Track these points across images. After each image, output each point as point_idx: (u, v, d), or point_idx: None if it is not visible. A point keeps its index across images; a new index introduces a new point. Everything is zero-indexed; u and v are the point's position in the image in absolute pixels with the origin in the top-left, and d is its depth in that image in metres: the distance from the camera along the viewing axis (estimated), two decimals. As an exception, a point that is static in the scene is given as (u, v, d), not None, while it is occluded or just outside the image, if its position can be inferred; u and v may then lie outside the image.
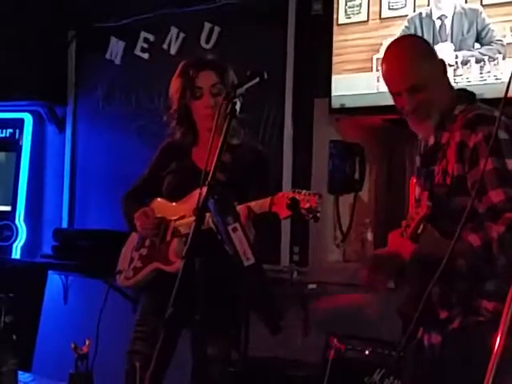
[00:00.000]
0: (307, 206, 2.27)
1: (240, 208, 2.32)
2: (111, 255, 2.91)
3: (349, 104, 3.67)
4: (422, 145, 2.30)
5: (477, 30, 3.28)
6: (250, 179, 2.61)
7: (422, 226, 1.96)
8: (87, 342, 1.92)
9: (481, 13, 3.27)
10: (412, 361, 2.28)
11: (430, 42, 3.29)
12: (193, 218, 1.96)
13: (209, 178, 1.92)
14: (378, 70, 3.52)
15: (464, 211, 1.83)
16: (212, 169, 1.94)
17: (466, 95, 2.22)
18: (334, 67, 3.69)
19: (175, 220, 2.63)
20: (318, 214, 2.30)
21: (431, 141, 2.22)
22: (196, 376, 2.66)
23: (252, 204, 2.41)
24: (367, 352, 3.17)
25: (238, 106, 2.07)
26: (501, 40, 3.21)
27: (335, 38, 3.71)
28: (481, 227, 2.00)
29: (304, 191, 2.32)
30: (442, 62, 2.23)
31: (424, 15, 3.46)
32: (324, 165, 3.81)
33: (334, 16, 3.71)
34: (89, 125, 4.84)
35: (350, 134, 3.86)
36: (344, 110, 3.70)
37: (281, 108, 3.99)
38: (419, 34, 3.40)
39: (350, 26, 3.68)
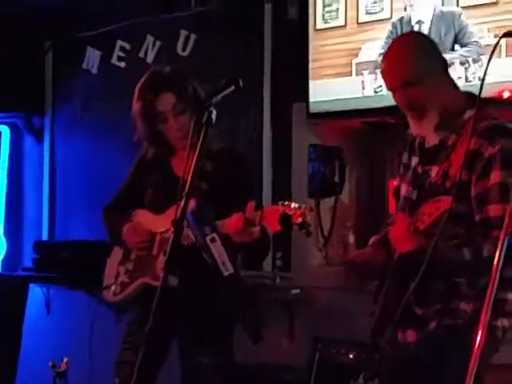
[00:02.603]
0: (299, 221, 2.26)
1: (236, 216, 2.32)
2: (93, 266, 2.89)
3: (329, 108, 3.67)
4: (417, 142, 2.29)
5: (455, 31, 3.29)
6: (232, 186, 2.58)
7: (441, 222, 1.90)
8: (65, 360, 1.89)
9: (459, 15, 3.28)
10: (388, 359, 2.29)
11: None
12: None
13: (186, 190, 1.91)
14: (357, 75, 3.53)
15: (460, 217, 1.84)
16: (188, 180, 1.93)
17: (475, 99, 2.15)
18: (314, 72, 3.69)
19: (161, 233, 2.60)
20: (311, 228, 2.28)
21: (434, 140, 2.21)
22: None
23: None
24: (352, 355, 3.17)
25: (213, 115, 2.06)
26: (477, 41, 3.22)
27: (314, 43, 3.70)
28: (473, 238, 2.01)
29: (293, 204, 2.30)
30: (442, 59, 2.22)
31: (405, 19, 3.47)
32: (304, 169, 3.80)
33: (311, 21, 3.71)
34: (67, 135, 4.81)
35: (329, 138, 3.87)
36: (322, 115, 3.70)
37: (259, 114, 3.99)
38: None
39: (328, 31, 3.67)
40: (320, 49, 3.69)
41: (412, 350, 2.16)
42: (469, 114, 2.14)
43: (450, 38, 3.30)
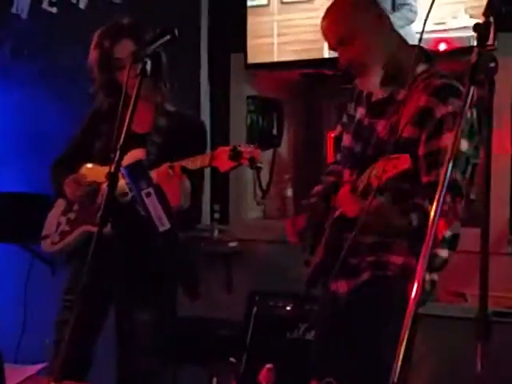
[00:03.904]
0: (249, 156, 2.27)
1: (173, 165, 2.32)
2: (28, 219, 2.85)
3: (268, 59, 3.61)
4: (364, 93, 2.26)
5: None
6: (186, 143, 2.57)
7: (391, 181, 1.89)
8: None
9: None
10: (322, 310, 2.32)
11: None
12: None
13: (120, 142, 1.86)
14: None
15: (404, 175, 1.84)
16: (123, 133, 1.87)
17: (425, 54, 2.17)
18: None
19: (105, 183, 2.57)
20: (260, 164, 2.31)
21: (381, 94, 2.19)
22: (126, 344, 2.65)
23: (190, 160, 2.38)
24: (289, 308, 3.19)
25: (148, 66, 1.99)
26: (410, 4, 3.20)
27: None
28: (421, 201, 2.00)
29: (243, 145, 2.32)
30: (382, 15, 2.19)
31: None
32: (242, 121, 3.76)
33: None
34: (-1, 82, 4.63)
35: (268, 90, 3.83)
36: (260, 66, 3.65)
37: (197, 65, 3.91)
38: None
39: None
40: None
41: (344, 300, 2.20)
42: (420, 68, 2.13)
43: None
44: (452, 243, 2.13)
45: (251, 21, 3.63)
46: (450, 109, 2.02)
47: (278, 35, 3.58)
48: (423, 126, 2.04)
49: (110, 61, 2.61)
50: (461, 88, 2.06)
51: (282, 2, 3.59)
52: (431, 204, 1.93)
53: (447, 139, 2.00)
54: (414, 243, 2.04)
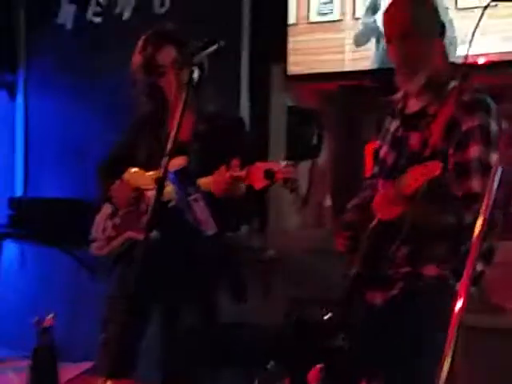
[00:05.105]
0: (284, 176, 2.29)
1: (221, 172, 2.34)
2: (67, 223, 2.89)
3: (307, 71, 3.65)
4: (399, 107, 2.30)
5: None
6: (227, 147, 2.57)
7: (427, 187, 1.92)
8: (50, 316, 1.89)
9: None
10: (358, 321, 2.34)
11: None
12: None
13: (169, 148, 1.90)
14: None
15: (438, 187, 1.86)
16: (171, 139, 1.92)
17: (461, 71, 2.20)
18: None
19: (149, 190, 2.59)
20: (294, 185, 2.32)
21: (415, 107, 2.22)
22: (169, 346, 2.69)
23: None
24: (327, 316, 3.20)
25: (195, 75, 2.04)
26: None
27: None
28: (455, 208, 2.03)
29: (279, 162, 2.34)
30: (440, 21, 2.22)
31: None
32: (281, 131, 3.80)
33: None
34: (41, 91, 4.72)
35: (308, 100, 3.86)
36: (300, 77, 3.69)
37: (237, 75, 3.95)
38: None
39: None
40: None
41: (378, 311, 2.21)
42: (453, 84, 2.15)
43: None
44: (487, 256, 2.14)
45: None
46: (476, 121, 2.06)
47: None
48: (450, 139, 2.07)
49: (152, 66, 2.65)
50: (489, 101, 2.11)
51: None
52: (466, 213, 1.98)
53: (474, 151, 2.04)
54: (452, 244, 2.07)
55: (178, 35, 2.70)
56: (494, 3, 1.74)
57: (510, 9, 2.98)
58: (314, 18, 3.66)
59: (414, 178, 1.94)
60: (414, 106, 2.23)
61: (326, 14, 3.62)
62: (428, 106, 2.17)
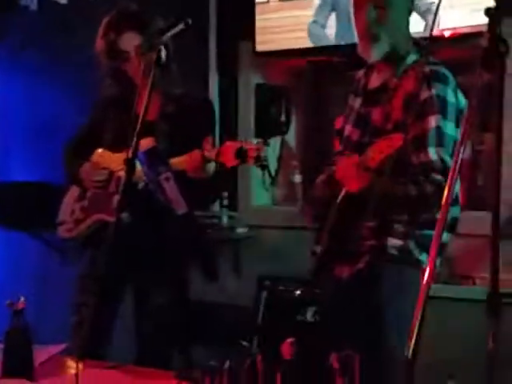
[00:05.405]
0: (255, 154, 2.31)
1: (194, 152, 2.35)
2: (36, 207, 2.87)
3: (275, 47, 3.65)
4: (361, 84, 2.34)
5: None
6: (194, 129, 2.58)
7: (392, 158, 1.97)
8: (22, 299, 1.89)
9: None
10: (327, 295, 2.38)
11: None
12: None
13: (137, 129, 1.90)
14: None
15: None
16: (140, 119, 1.91)
17: (419, 45, 2.26)
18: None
19: (118, 171, 2.59)
20: (265, 163, 2.35)
21: (377, 82, 2.27)
22: (141, 326, 2.70)
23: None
24: (298, 292, 3.24)
25: (163, 54, 2.03)
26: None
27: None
28: (415, 178, 2.08)
29: (249, 141, 2.37)
30: None
31: None
32: (250, 109, 3.80)
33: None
34: (4, 73, 4.65)
35: (276, 77, 3.86)
36: (269, 53, 3.68)
37: (205, 53, 3.93)
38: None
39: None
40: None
41: (345, 285, 2.25)
42: (412, 58, 2.21)
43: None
44: (451, 226, 2.19)
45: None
46: (432, 92, 2.11)
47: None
48: (409, 111, 2.11)
49: (115, 51, 2.63)
50: (447, 73, 2.16)
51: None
52: (425, 181, 2.02)
53: (431, 121, 2.09)
54: (414, 214, 2.11)
55: (141, 18, 2.65)
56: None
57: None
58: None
59: (379, 151, 2.00)
60: (375, 81, 2.28)
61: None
62: (388, 80, 2.22)
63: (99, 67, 2.70)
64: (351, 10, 2.29)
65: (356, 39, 2.30)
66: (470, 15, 3.05)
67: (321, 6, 3.54)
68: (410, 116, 2.11)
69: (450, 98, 2.14)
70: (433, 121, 2.10)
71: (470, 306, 2.71)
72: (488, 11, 1.41)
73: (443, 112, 2.11)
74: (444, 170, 2.05)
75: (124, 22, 2.63)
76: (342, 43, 3.45)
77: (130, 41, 2.60)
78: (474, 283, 2.98)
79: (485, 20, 1.39)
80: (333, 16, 3.52)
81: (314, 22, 3.56)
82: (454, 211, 2.19)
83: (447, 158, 2.08)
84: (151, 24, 2.62)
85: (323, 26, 3.54)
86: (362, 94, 2.32)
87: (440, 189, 1.98)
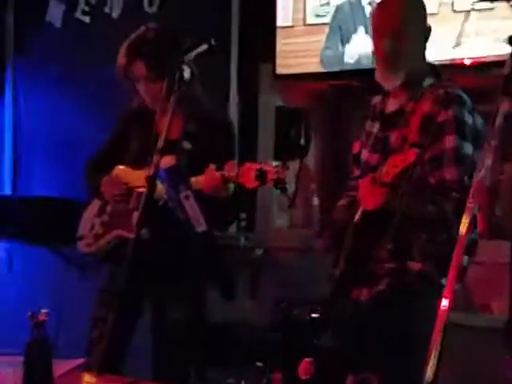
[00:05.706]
0: (275, 177, 2.31)
1: (216, 173, 2.37)
2: (56, 222, 2.89)
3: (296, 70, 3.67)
4: (377, 109, 2.36)
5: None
6: (215, 148, 2.60)
7: (407, 173, 1.98)
8: (43, 311, 1.90)
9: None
10: (345, 318, 2.37)
11: (362, 26, 3.32)
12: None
13: (159, 147, 1.92)
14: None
15: (417, 180, 1.90)
16: (162, 138, 1.93)
17: (435, 69, 2.30)
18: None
19: (138, 187, 2.61)
20: (287, 185, 2.35)
21: (394, 106, 2.29)
22: (158, 341, 2.71)
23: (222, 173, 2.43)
24: (315, 316, 3.22)
25: (186, 73, 2.06)
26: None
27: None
28: (433, 198, 2.08)
29: (270, 163, 2.37)
30: (427, 24, 2.30)
31: (353, 1, 3.47)
32: (270, 131, 3.81)
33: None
34: (30, 89, 4.72)
35: (296, 100, 3.88)
36: (289, 76, 3.70)
37: (226, 74, 3.96)
38: (350, 20, 3.44)
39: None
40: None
41: (364, 307, 2.25)
42: (427, 82, 2.25)
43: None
44: (470, 248, 2.18)
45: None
46: (450, 113, 2.12)
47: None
48: (427, 133, 2.12)
49: (129, 74, 2.71)
50: (463, 95, 2.18)
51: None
52: (444, 200, 2.02)
53: (449, 141, 2.11)
54: (433, 234, 2.10)
55: (152, 48, 2.68)
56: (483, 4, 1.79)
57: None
58: (310, 20, 3.66)
59: (393, 165, 2.01)
60: (391, 105, 2.30)
61: (322, 16, 3.64)
62: (405, 104, 2.25)
63: (121, 83, 2.76)
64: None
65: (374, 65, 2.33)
66: (493, 44, 3.06)
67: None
68: (427, 137, 2.12)
69: (467, 118, 2.16)
70: (451, 141, 2.11)
71: (487, 334, 2.69)
72: (511, 39, 1.42)
73: (461, 133, 2.13)
74: (462, 189, 2.05)
75: (133, 52, 2.69)
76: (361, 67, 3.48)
77: (138, 70, 2.67)
78: (492, 312, 2.96)
79: (508, 49, 1.40)
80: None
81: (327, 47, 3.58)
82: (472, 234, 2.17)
83: (465, 178, 2.08)
84: (161, 51, 2.66)
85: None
86: (379, 119, 2.35)
87: (458, 207, 1.98)
